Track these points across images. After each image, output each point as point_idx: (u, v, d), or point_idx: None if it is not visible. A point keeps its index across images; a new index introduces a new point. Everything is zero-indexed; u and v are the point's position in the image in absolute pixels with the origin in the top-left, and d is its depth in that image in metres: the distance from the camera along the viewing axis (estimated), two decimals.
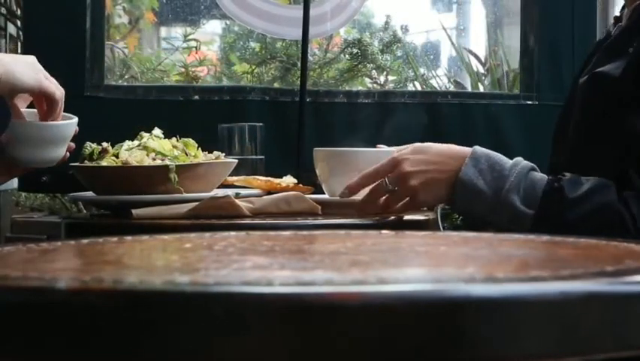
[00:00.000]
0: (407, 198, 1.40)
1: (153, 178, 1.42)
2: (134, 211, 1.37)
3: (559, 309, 0.53)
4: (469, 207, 1.35)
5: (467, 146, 1.40)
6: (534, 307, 0.53)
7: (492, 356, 0.52)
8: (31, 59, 1.30)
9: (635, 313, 0.55)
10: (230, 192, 1.44)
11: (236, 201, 1.39)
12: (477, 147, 1.36)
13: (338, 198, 1.48)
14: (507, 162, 1.33)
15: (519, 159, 1.34)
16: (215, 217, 1.36)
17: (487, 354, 0.52)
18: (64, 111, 1.36)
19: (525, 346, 0.53)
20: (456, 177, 1.33)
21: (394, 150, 1.55)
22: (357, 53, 2.98)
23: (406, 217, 1.45)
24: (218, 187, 1.52)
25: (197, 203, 1.38)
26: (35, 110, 1.35)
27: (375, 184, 1.41)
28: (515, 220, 1.29)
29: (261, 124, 1.91)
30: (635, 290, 0.56)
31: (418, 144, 1.42)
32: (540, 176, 1.31)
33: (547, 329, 0.53)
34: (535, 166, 1.33)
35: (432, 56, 3.62)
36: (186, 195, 1.41)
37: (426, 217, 1.53)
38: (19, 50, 3.52)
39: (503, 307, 0.52)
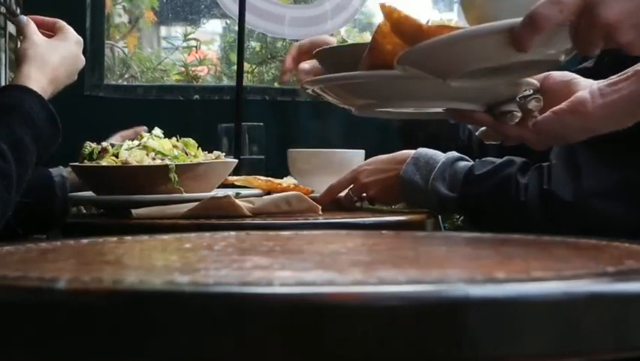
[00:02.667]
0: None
1: (153, 178, 1.42)
2: (134, 211, 1.37)
3: (559, 309, 0.53)
4: (411, 200, 1.49)
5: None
6: (534, 307, 0.53)
7: (492, 356, 0.52)
8: (81, 63, 1.42)
9: (636, 313, 0.55)
10: (231, 192, 1.44)
11: (237, 201, 1.39)
12: (421, 149, 1.48)
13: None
14: (440, 155, 1.44)
15: (452, 152, 1.45)
16: (215, 217, 1.36)
17: (487, 354, 0.52)
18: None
19: (525, 346, 0.52)
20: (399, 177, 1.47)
21: (362, 152, 1.70)
22: None
23: (406, 217, 1.46)
24: (218, 187, 1.52)
25: (197, 203, 1.37)
26: None
27: (343, 194, 1.55)
28: (443, 204, 1.41)
29: (261, 124, 1.91)
30: (636, 291, 0.56)
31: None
32: (464, 164, 1.42)
33: (548, 330, 0.53)
34: (463, 157, 1.44)
35: None
36: (186, 195, 1.41)
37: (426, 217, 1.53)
38: None
39: (503, 308, 0.52)
